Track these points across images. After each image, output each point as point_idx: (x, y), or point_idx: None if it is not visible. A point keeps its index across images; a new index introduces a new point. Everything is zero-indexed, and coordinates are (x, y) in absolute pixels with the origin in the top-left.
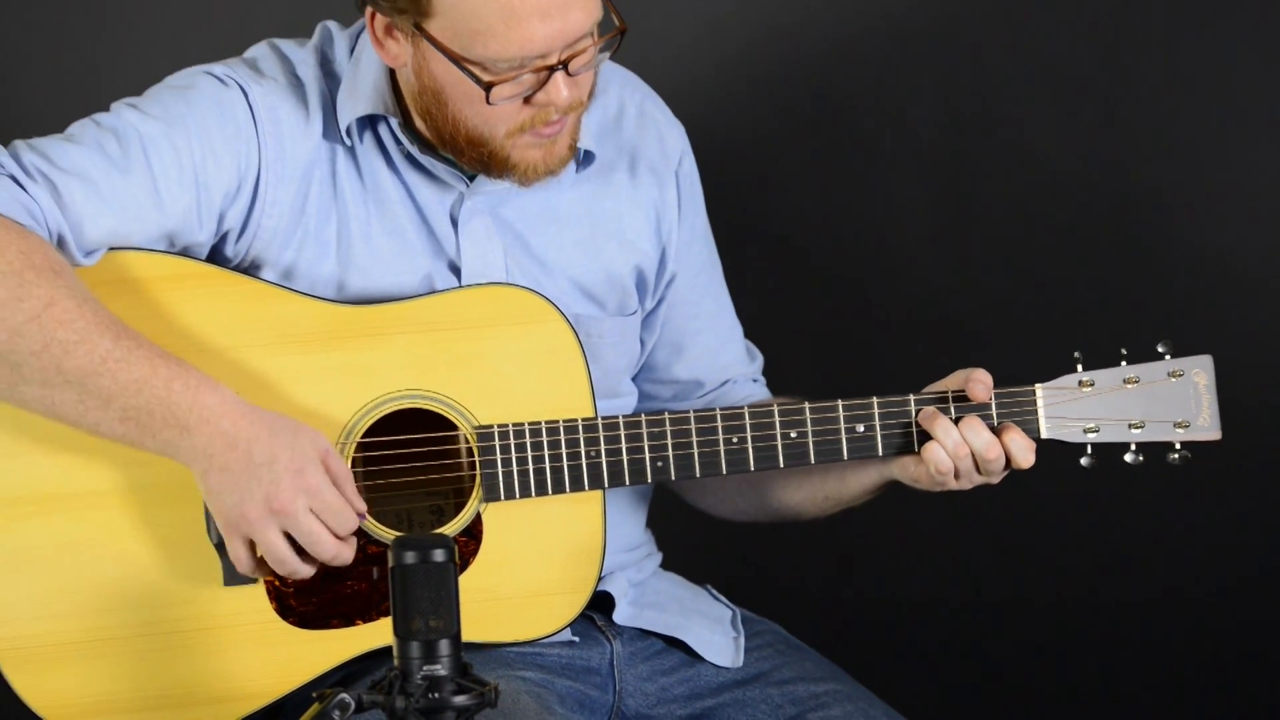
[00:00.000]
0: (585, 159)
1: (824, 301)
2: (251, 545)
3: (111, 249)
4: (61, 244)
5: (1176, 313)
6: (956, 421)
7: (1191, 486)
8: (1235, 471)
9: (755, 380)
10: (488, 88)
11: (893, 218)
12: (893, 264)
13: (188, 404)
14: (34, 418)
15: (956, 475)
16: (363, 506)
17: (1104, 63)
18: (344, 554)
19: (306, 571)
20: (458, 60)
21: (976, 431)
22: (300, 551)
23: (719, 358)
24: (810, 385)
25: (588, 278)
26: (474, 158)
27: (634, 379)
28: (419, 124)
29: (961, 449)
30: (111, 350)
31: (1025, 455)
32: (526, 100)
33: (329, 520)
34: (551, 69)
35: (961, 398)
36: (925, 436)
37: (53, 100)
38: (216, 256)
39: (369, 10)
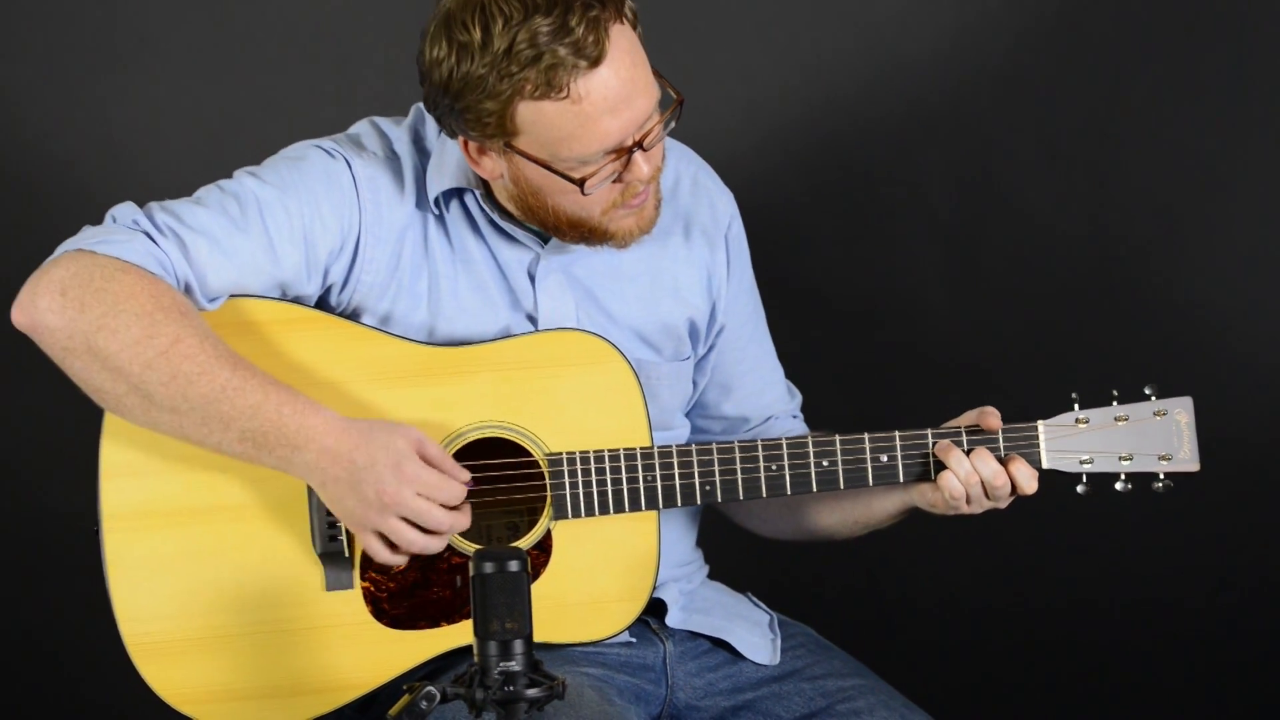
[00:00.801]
0: None
1: (852, 346)
2: (383, 536)
3: (232, 296)
4: (188, 291)
5: (1161, 359)
6: (968, 453)
7: (1173, 512)
8: (1212, 499)
9: (795, 416)
10: (580, 183)
11: (910, 274)
12: (911, 314)
13: (296, 426)
14: (164, 444)
15: (968, 500)
16: (466, 475)
17: (1093, 141)
18: (459, 521)
19: (438, 545)
20: (548, 166)
21: (985, 461)
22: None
23: (763, 397)
24: (840, 420)
25: (647, 327)
26: (575, 235)
27: (687, 415)
28: (501, 199)
29: (972, 477)
30: (230, 380)
31: (1029, 482)
32: (614, 181)
33: (436, 496)
34: (630, 150)
35: (974, 432)
36: (941, 467)
37: (183, 168)
38: (322, 305)
39: (460, 138)
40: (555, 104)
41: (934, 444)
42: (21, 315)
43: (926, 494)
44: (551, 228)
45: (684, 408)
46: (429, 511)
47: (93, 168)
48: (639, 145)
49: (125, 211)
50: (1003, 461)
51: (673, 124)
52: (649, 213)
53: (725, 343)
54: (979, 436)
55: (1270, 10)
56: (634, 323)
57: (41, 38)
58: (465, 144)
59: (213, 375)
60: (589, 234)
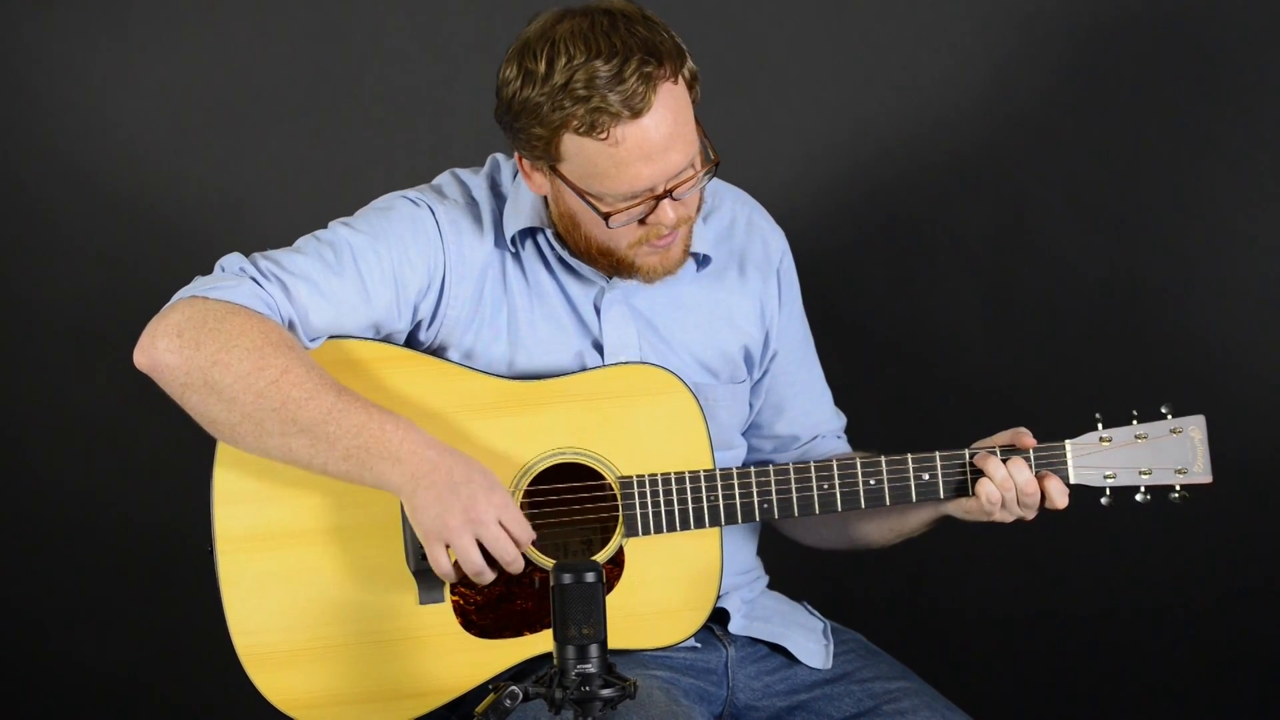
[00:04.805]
0: (704, 261)
1: (895, 374)
2: (449, 553)
3: (331, 336)
4: (291, 328)
5: (1176, 384)
6: (1004, 462)
7: (1189, 520)
8: (1224, 508)
9: (840, 437)
10: (606, 216)
11: (949, 311)
12: (950, 347)
13: (399, 439)
14: (271, 471)
15: (1003, 505)
16: (533, 534)
17: (1115, 191)
18: (519, 562)
19: (490, 575)
20: (582, 194)
21: (1020, 470)
22: (486, 561)
23: (811, 417)
24: (885, 442)
25: (705, 354)
26: (605, 264)
27: (743, 434)
28: (560, 231)
29: (1007, 483)
30: (335, 403)
31: (1061, 498)
32: (640, 221)
33: (512, 530)
34: (659, 197)
35: (1008, 450)
36: (978, 476)
37: (283, 220)
38: (411, 341)
39: (517, 154)
40: (595, 142)
41: (972, 456)
42: (142, 357)
43: (962, 503)
44: (584, 253)
45: (741, 427)
46: (503, 540)
47: (202, 221)
48: (669, 194)
49: (232, 261)
50: (1036, 477)
51: (705, 181)
52: (675, 254)
53: (778, 367)
54: (1013, 454)
55: (1276, 73)
56: (692, 349)
57: (170, 99)
58: (520, 158)
59: (320, 399)
60: (616, 265)
